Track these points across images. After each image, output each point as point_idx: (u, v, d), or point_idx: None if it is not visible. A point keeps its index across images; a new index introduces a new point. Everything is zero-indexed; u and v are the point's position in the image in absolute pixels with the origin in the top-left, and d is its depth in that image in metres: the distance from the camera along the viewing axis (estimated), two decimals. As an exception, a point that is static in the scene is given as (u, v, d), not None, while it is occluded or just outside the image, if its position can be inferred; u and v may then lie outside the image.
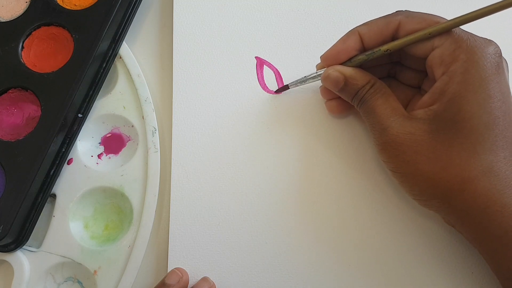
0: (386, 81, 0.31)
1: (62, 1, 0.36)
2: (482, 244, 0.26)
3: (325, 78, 0.30)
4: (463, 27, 0.26)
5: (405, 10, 0.28)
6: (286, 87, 0.33)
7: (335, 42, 0.30)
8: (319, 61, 0.31)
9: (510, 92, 0.26)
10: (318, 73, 0.31)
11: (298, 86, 0.33)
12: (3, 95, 0.34)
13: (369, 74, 0.29)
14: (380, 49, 0.28)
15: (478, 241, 0.26)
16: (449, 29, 0.26)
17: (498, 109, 0.25)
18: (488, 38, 0.26)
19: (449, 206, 0.26)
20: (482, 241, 0.26)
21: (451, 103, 0.25)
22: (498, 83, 0.25)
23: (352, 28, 0.29)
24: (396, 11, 0.28)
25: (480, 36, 0.26)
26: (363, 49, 0.29)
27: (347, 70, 0.29)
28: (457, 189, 0.25)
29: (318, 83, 0.31)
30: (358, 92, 0.28)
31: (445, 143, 0.25)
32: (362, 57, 0.28)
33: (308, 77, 0.31)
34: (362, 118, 0.30)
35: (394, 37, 0.28)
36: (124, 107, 0.35)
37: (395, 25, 0.27)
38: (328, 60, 0.30)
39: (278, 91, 0.34)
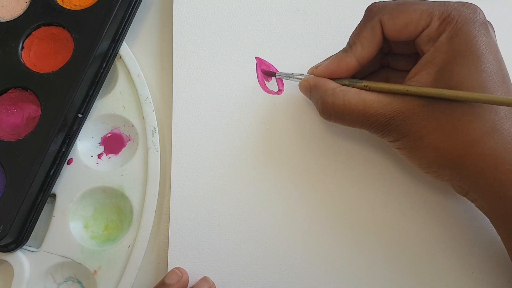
0: (381, 72, 0.32)
1: (62, 1, 0.36)
2: (495, 208, 0.26)
3: (301, 86, 0.31)
4: None
5: (377, 3, 0.28)
6: (273, 74, 0.34)
7: (331, 58, 0.30)
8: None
9: (499, 51, 0.26)
10: (303, 76, 0.31)
11: (283, 78, 0.34)
12: (3, 95, 0.34)
13: None
14: (362, 82, 0.28)
15: (491, 205, 0.26)
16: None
17: (490, 67, 0.25)
18: (467, 2, 0.26)
19: (460, 172, 0.26)
20: (494, 205, 0.26)
21: (441, 72, 0.26)
22: (486, 42, 0.25)
23: (347, 46, 0.29)
24: (369, 10, 0.28)
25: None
26: (358, 66, 0.29)
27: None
28: (465, 153, 0.25)
29: None
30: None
31: (446, 111, 0.25)
32: (345, 82, 0.29)
33: (295, 75, 0.32)
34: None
35: (384, 38, 0.28)
36: (124, 107, 0.35)
37: (379, 28, 0.27)
38: (320, 76, 0.30)
39: (264, 73, 0.34)
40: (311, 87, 0.30)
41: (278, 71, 0.34)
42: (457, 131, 0.25)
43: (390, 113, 0.27)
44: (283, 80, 0.34)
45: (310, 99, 0.31)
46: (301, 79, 0.31)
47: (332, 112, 0.28)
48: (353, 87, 0.28)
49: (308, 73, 0.32)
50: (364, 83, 0.28)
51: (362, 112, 0.27)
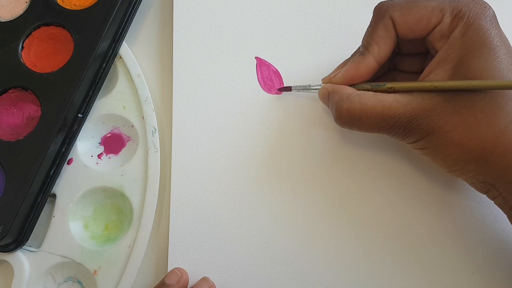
0: (389, 74, 0.31)
1: (62, 1, 0.36)
2: None
3: (320, 93, 0.31)
4: None
5: (385, 2, 0.28)
6: (289, 88, 0.33)
7: (347, 64, 0.29)
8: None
9: (510, 43, 0.26)
10: (321, 86, 0.31)
11: (300, 91, 0.33)
12: (3, 95, 0.34)
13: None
14: (385, 84, 0.28)
15: None
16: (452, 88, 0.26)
17: (505, 58, 0.25)
18: None
19: (487, 166, 0.25)
20: None
21: (457, 67, 0.26)
22: (498, 35, 0.25)
23: (363, 49, 0.28)
24: (378, 9, 0.28)
25: None
26: (377, 67, 0.29)
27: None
28: (490, 145, 0.25)
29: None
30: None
31: (467, 105, 0.25)
32: (367, 86, 0.28)
33: (312, 86, 0.32)
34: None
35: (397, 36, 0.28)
36: (124, 107, 0.35)
37: (391, 25, 0.27)
38: (338, 83, 0.30)
39: (280, 90, 0.34)
40: (329, 94, 0.29)
41: (281, 83, 0.34)
42: (480, 123, 0.25)
43: (410, 112, 0.26)
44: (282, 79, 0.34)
45: (328, 107, 0.30)
46: (318, 89, 0.31)
47: (347, 118, 0.28)
48: (376, 91, 0.28)
49: (322, 82, 0.31)
50: (388, 85, 0.27)
51: (381, 115, 0.26)
